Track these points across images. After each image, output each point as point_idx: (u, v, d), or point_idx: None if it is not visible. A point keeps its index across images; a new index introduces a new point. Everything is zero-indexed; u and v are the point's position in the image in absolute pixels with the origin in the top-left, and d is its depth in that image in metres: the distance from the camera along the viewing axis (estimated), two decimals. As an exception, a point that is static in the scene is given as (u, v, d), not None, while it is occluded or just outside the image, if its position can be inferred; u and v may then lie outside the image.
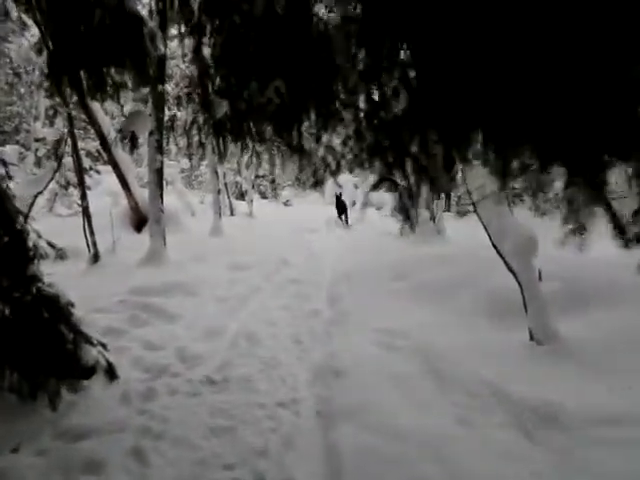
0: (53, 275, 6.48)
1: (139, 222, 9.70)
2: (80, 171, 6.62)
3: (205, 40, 2.93)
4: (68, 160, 11.62)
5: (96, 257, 6.69)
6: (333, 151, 3.16)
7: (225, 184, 14.68)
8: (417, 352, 3.89)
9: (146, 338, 4.41)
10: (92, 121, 8.10)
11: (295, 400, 3.41)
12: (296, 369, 4.01)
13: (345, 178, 29.80)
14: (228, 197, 15.10)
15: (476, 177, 4.12)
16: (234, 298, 6.13)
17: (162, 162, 6.80)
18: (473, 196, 4.15)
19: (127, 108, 9.93)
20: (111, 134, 8.47)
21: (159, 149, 6.69)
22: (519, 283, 3.93)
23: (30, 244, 3.44)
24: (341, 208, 16.69)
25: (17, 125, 23.57)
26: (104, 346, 3.60)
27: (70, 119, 6.32)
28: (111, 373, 3.53)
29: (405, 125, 2.16)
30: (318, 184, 3.27)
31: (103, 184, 16.17)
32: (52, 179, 7.14)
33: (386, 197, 15.78)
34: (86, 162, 11.39)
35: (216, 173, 10.69)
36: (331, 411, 3.12)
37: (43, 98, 17.22)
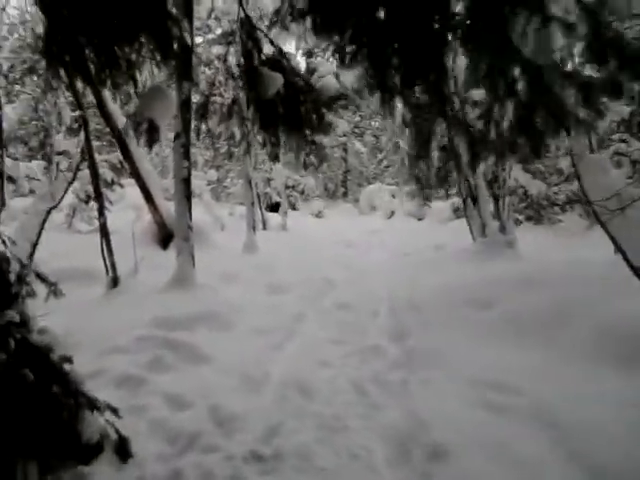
0: (65, 304, 5.57)
1: (165, 238, 8.94)
2: (97, 182, 5.86)
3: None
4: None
5: (115, 281, 5.90)
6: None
7: (258, 195, 13.88)
8: (540, 419, 2.88)
9: (171, 390, 3.52)
10: (110, 126, 7.40)
11: (379, 494, 2.45)
12: (369, 437, 3.05)
13: (378, 187, 28.82)
14: (261, 209, 14.28)
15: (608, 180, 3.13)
16: (275, 330, 5.22)
17: (190, 170, 5.98)
18: (603, 203, 3.13)
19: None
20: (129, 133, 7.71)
21: (186, 155, 5.87)
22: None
23: (12, 278, 2.59)
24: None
25: (42, 139, 23.45)
26: (115, 412, 2.71)
27: (85, 122, 5.57)
28: (123, 451, 2.64)
29: None
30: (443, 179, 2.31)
31: (127, 198, 15.61)
32: (66, 192, 6.40)
33: (428, 207, 14.67)
34: (109, 175, 10.77)
35: (249, 183, 9.86)
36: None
37: (68, 110, 16.88)
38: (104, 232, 5.90)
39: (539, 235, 11.41)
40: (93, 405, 2.59)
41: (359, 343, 4.98)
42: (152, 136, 2.42)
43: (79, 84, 5.30)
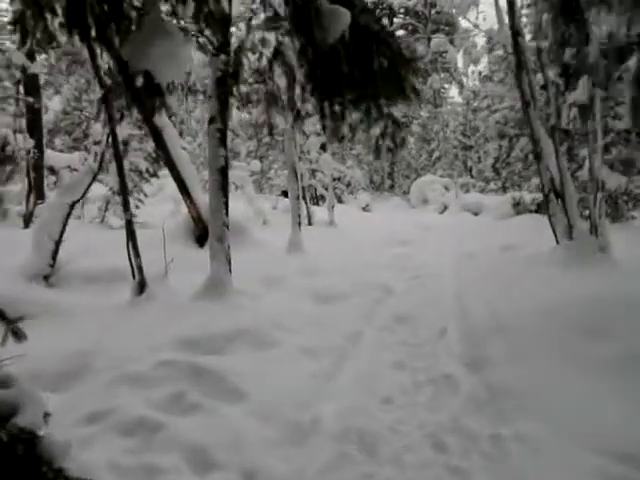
0: (87, 311, 4.90)
1: (202, 234, 8.29)
2: (121, 172, 5.20)
3: None
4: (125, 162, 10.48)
5: (142, 286, 5.26)
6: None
7: (303, 188, 13.09)
8: None
9: (194, 440, 2.77)
10: (139, 107, 6.73)
11: None
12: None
13: (431, 179, 27.58)
14: (306, 203, 13.46)
15: None
16: (325, 351, 4.43)
17: (227, 159, 5.25)
18: None
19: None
20: (166, 124, 7.07)
21: (222, 141, 5.15)
22: None
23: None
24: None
25: (85, 130, 23.49)
26: (107, 494, 1.98)
27: (107, 101, 4.92)
28: None
29: None
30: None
31: (167, 189, 15.15)
32: (91, 184, 5.80)
33: (485, 200, 13.50)
34: (143, 164, 10.23)
35: (295, 174, 9.03)
36: None
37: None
38: (130, 230, 5.25)
39: (616, 234, 10.17)
40: (75, 489, 1.87)
41: (427, 371, 4.14)
42: (152, 99, 1.70)
43: (102, 57, 4.65)
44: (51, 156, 20.90)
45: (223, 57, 5.10)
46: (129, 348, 3.86)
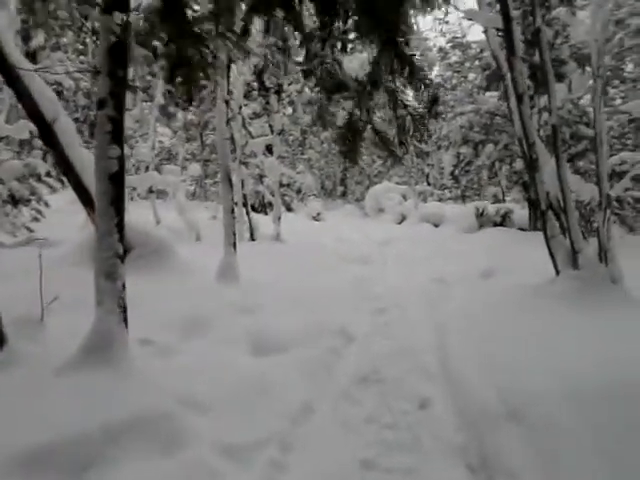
0: None
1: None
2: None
3: None
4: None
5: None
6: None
7: (244, 195, 11.58)
8: None
9: None
10: (13, 86, 5.20)
11: None
12: None
13: (387, 186, 26.67)
14: (247, 214, 11.92)
15: None
16: (258, 449, 3.11)
17: (123, 161, 3.83)
18: None
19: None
20: (58, 114, 5.59)
21: (116, 135, 3.74)
22: None
23: None
24: None
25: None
26: None
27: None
28: None
29: None
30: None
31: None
32: None
33: (446, 210, 12.41)
34: (42, 167, 8.58)
35: (229, 181, 7.45)
36: None
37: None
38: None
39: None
40: None
41: (411, 477, 2.89)
42: None
43: None
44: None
45: (118, 15, 3.73)
46: None
